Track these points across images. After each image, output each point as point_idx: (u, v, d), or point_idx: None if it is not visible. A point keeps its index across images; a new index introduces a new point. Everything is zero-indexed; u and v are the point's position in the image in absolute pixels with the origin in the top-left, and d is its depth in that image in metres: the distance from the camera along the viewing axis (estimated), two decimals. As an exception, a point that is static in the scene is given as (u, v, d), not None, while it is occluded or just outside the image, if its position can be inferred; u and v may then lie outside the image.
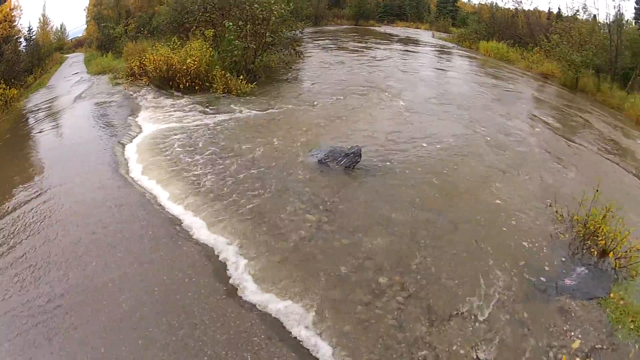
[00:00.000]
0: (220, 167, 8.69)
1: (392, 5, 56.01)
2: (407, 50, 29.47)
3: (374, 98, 14.44)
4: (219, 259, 6.11)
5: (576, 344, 5.16)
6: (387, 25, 52.67)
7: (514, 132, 12.63)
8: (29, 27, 43.56)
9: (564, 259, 6.66)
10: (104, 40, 32.25)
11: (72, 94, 19.52)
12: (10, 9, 32.31)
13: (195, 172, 8.50)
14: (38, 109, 18.48)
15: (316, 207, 7.31)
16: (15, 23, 33.91)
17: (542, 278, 6.12)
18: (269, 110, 12.52)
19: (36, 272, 6.10)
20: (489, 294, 5.67)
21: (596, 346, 5.20)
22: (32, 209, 7.78)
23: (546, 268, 6.34)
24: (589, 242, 6.99)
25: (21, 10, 34.74)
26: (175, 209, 7.33)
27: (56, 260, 6.28)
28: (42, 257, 6.39)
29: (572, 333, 5.32)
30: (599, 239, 6.90)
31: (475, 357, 4.92)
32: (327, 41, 30.09)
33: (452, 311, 5.39)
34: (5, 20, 31.23)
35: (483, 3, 47.04)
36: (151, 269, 5.91)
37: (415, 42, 35.74)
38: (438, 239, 6.67)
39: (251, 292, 5.57)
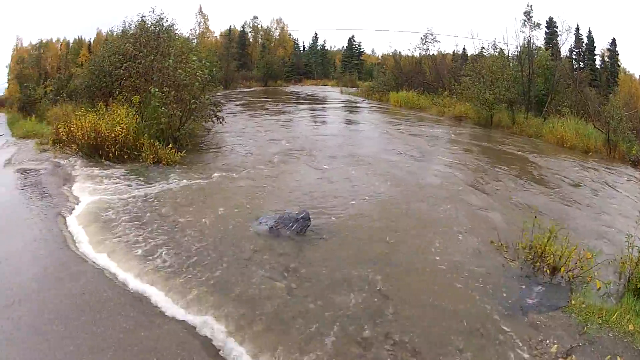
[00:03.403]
0: (172, 240, 8.86)
1: (298, 65, 58.18)
2: (319, 109, 30.94)
3: (298, 161, 15.41)
4: (202, 335, 6.07)
5: (554, 348, 5.95)
6: (295, 84, 54.48)
7: (439, 178, 13.82)
8: (-53, 82, 42.32)
9: (519, 284, 7.57)
10: (26, 101, 31.75)
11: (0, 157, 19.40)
12: None
13: (148, 247, 8.55)
14: None
15: (281, 274, 7.63)
16: None
17: (506, 304, 6.92)
18: (202, 180, 12.99)
19: None
20: (465, 329, 6.29)
21: (572, 345, 6.05)
22: None
23: (505, 295, 7.17)
24: (538, 263, 7.96)
25: None
26: (139, 286, 7.27)
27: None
28: None
29: (548, 340, 6.10)
30: (547, 259, 7.86)
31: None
32: (240, 105, 31.10)
33: (438, 349, 5.88)
34: None
35: (386, 53, 49.23)
36: (135, 352, 5.67)
37: (325, 100, 36.97)
38: (401, 290, 7.22)
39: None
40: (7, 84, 51.35)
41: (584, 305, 6.95)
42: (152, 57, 18.46)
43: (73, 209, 10.92)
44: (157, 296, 7.00)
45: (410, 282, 7.53)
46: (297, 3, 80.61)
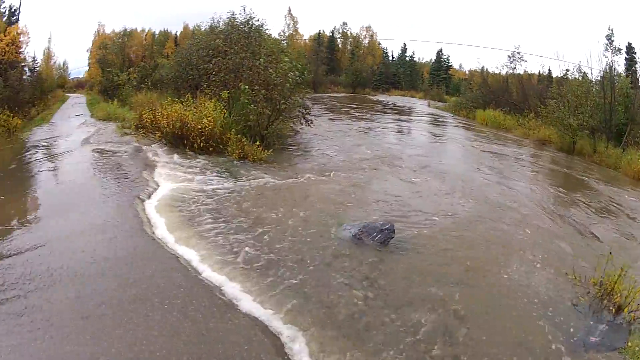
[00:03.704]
0: (253, 236, 8.54)
1: (386, 74, 57.16)
2: (405, 120, 30.25)
3: (383, 170, 14.73)
4: (274, 333, 5.88)
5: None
6: (383, 93, 53.62)
7: (518, 201, 13.02)
8: (34, 58, 43.65)
9: (586, 320, 7.08)
10: (108, 85, 32.29)
11: (77, 136, 19.42)
12: (17, 33, 32.24)
13: (227, 240, 8.29)
14: (44, 145, 18.35)
15: (360, 282, 7.30)
16: (22, 50, 33.78)
17: (570, 340, 6.49)
18: (287, 180, 12.52)
19: (40, 343, 5.44)
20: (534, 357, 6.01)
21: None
22: (40, 256, 7.58)
23: (572, 330, 6.73)
24: (605, 301, 7.45)
25: (28, 37, 34.74)
26: (215, 278, 7.01)
27: (69, 326, 5.73)
28: (52, 318, 5.86)
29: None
30: (614, 297, 7.41)
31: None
32: (328, 109, 30.63)
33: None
34: (13, 44, 31.10)
35: (474, 69, 48.03)
36: (205, 342, 5.54)
37: (413, 112, 36.59)
38: (474, 312, 6.85)
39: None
40: (87, 67, 52.99)
41: (637, 349, 6.53)
42: (243, 55, 18.11)
43: (152, 193, 10.66)
44: (233, 290, 6.77)
45: (484, 306, 7.16)
46: (386, 12, 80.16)
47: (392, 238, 8.88)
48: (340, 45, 58.24)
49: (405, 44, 60.48)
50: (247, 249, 7.99)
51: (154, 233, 8.48)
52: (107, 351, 5.28)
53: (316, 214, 10.04)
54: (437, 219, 10.60)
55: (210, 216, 9.36)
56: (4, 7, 34.93)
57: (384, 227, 8.94)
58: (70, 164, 14.32)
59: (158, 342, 5.43)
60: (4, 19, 33.76)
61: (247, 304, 6.43)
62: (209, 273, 7.15)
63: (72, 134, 21.05)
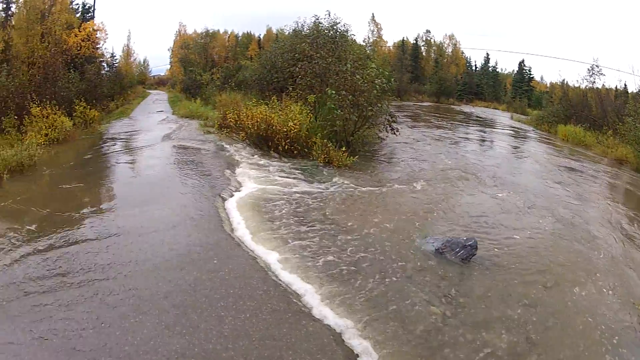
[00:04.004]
0: (333, 243, 8.20)
1: (470, 84, 55.99)
2: (489, 133, 29.43)
3: (466, 182, 14.15)
4: (347, 344, 5.67)
5: None
6: (466, 104, 52.59)
7: (595, 222, 12.36)
8: (112, 54, 45.35)
9: None
10: (190, 84, 33.06)
11: (159, 131, 19.65)
12: (93, 30, 33.57)
13: (308, 245, 8.01)
14: (121, 138, 18.62)
15: (439, 299, 6.96)
16: (99, 45, 35.20)
17: None
18: (371, 188, 12.07)
19: (106, 335, 5.40)
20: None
21: None
22: (119, 245, 7.71)
23: None
24: None
25: (106, 34, 36.00)
26: (292, 282, 6.79)
27: (137, 321, 5.70)
28: (120, 307, 5.92)
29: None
30: None
31: None
32: (412, 118, 30.15)
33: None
34: (89, 40, 32.42)
35: (555, 82, 46.52)
36: (276, 347, 5.41)
37: (496, 124, 35.69)
38: (547, 338, 6.57)
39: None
40: (169, 66, 54.81)
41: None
42: (330, 60, 17.80)
43: (234, 193, 10.50)
44: (309, 296, 6.54)
45: (555, 332, 6.87)
46: (468, 21, 79.18)
47: (474, 255, 8.51)
48: (424, 54, 57.51)
49: (488, 54, 58.95)
50: (327, 256, 7.72)
51: (233, 232, 8.33)
52: (188, 346, 5.29)
53: (400, 224, 9.65)
54: (517, 237, 10.11)
55: (291, 219, 9.10)
56: (77, 4, 36.39)
57: (467, 243, 8.57)
58: (151, 158, 14.43)
59: (228, 342, 5.38)
60: (78, 15, 35.12)
61: (323, 311, 6.26)
62: (287, 277, 6.96)
63: (153, 129, 21.38)
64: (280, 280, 6.82)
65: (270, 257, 7.44)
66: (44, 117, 19.64)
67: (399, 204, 11.11)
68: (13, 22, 31.03)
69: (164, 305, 5.93)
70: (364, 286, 6.91)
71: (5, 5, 31.24)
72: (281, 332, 5.67)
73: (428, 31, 57.64)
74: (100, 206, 9.93)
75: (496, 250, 9.15)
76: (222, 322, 5.68)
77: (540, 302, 7.51)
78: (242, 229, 8.43)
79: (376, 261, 7.79)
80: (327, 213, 9.73)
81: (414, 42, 56.16)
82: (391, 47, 55.23)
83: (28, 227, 8.90)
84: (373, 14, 54.66)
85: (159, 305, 5.91)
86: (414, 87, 51.95)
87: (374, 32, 52.64)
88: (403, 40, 55.78)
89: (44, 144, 17.59)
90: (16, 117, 19.78)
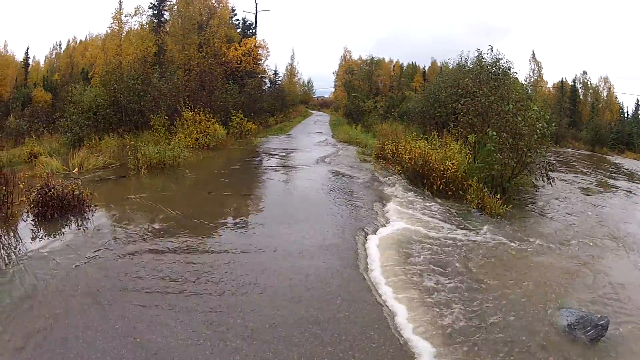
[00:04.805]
0: (467, 302, 7.65)
1: (622, 132, 51.99)
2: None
3: (617, 248, 12.62)
4: None
5: None
6: (618, 154, 48.92)
7: None
8: (275, 71, 47.75)
9: None
10: (353, 109, 33.98)
11: (315, 152, 20.26)
12: (255, 46, 35.65)
13: (440, 300, 7.47)
14: (275, 154, 19.46)
15: None
16: (261, 62, 37.46)
17: None
18: (518, 243, 11.24)
19: (194, 351, 5.32)
20: None
21: None
22: (232, 262, 7.78)
23: None
24: None
25: (267, 51, 38.64)
26: (412, 340, 6.23)
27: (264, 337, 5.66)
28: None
29: None
30: None
31: None
32: (567, 166, 28.63)
33: None
34: (250, 55, 34.44)
35: None
36: None
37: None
38: None
39: None
40: (333, 89, 56.99)
41: None
42: (492, 98, 17.18)
43: (378, 229, 10.27)
44: (426, 358, 5.98)
45: None
46: (620, 62, 73.89)
47: (603, 336, 7.73)
48: (581, 97, 54.55)
49: (638, 100, 55.12)
50: (457, 315, 7.18)
51: (367, 272, 8.06)
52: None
53: (538, 288, 8.94)
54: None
55: (431, 267, 8.67)
56: (237, 20, 38.65)
57: (599, 322, 7.81)
58: (302, 179, 14.88)
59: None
60: (238, 30, 37.24)
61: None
62: (407, 333, 6.39)
63: (309, 149, 22.13)
64: (400, 335, 6.34)
65: (397, 307, 7.03)
66: (196, 122, 21.09)
67: (542, 264, 10.36)
68: (167, 29, 33.89)
69: (267, 335, 5.72)
70: (489, 355, 6.45)
71: (156, 12, 34.20)
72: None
73: (585, 72, 55.32)
74: (236, 219, 10.32)
75: (629, 331, 8.24)
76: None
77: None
78: (377, 271, 8.17)
79: (505, 329, 7.27)
80: (469, 265, 9.27)
81: (572, 84, 53.36)
82: (551, 88, 52.83)
83: (152, 224, 9.54)
84: (533, 51, 52.49)
85: (262, 336, 5.70)
86: (571, 133, 49.12)
87: (535, 71, 50.86)
88: (562, 81, 53.14)
89: (192, 147, 18.89)
90: (166, 117, 21.46)
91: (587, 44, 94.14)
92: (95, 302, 6.12)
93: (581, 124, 52.99)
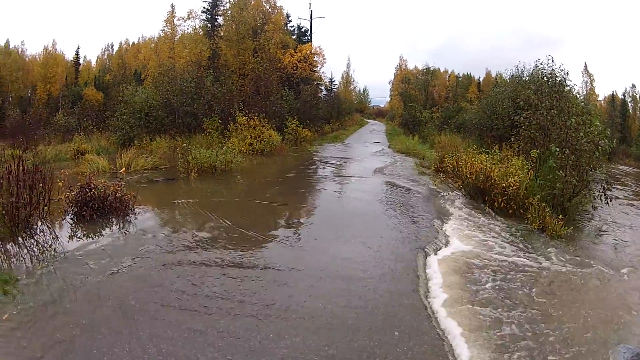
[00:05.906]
0: (530, 335, 7.06)
1: None
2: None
3: None
4: None
5: None
6: None
7: None
8: (331, 79, 47.96)
9: None
10: (409, 119, 33.98)
11: (371, 163, 20.18)
12: (311, 53, 35.80)
13: (504, 334, 6.88)
14: (330, 163, 19.42)
15: None
16: (317, 69, 37.62)
17: None
18: (582, 268, 10.57)
19: None
20: None
21: None
22: (278, 280, 7.40)
23: None
24: None
25: (324, 58, 38.93)
26: None
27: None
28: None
29: None
30: None
31: None
32: (622, 184, 27.83)
33: None
34: (305, 62, 34.62)
35: None
36: None
37: None
38: None
39: None
40: (389, 98, 57.10)
41: None
42: (554, 112, 16.70)
43: (439, 249, 9.85)
44: None
45: None
46: None
47: None
48: (630, 111, 52.70)
49: None
50: (520, 352, 6.59)
51: (427, 298, 7.56)
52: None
53: (599, 319, 8.42)
54: None
55: (494, 295, 8.12)
56: (292, 26, 38.94)
57: None
58: (358, 191, 14.68)
59: None
60: (294, 37, 37.51)
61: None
62: None
63: (365, 159, 22.11)
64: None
65: (458, 340, 6.44)
66: (250, 127, 21.33)
67: (604, 293, 9.82)
68: (221, 33, 34.37)
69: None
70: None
71: (209, 16, 34.74)
72: None
73: (634, 86, 52.93)
74: (287, 232, 10.04)
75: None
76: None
77: None
78: (438, 298, 7.62)
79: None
80: (533, 294, 8.71)
81: (622, 97, 51.56)
82: (602, 102, 51.18)
83: (198, 233, 9.33)
84: (585, 63, 51.12)
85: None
86: (621, 149, 47.55)
87: (587, 84, 49.40)
88: (613, 94, 51.42)
89: (246, 152, 19.10)
90: (220, 121, 21.79)
91: (635, 56, 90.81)
92: (125, 316, 5.81)
93: (631, 139, 51.55)
